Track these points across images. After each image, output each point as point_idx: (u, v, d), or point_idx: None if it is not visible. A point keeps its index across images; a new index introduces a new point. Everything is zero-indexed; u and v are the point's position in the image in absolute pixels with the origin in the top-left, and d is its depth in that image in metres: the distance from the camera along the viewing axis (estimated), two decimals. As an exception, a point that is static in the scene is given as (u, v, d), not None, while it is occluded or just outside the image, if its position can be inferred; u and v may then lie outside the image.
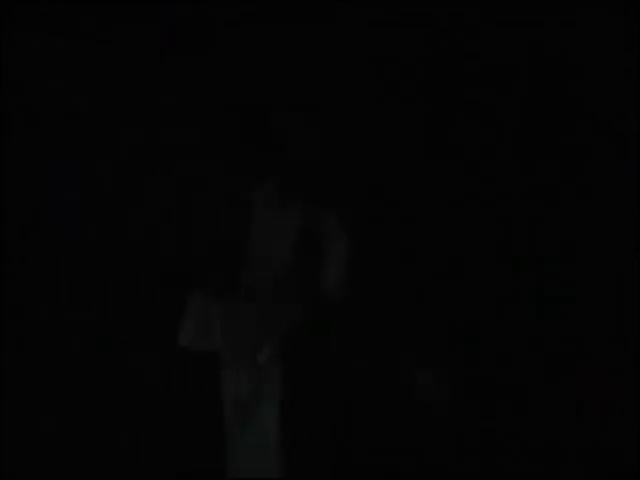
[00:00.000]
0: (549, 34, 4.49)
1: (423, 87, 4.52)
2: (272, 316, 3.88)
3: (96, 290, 4.42)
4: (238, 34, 4.48)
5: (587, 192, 4.50)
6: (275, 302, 3.88)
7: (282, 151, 3.97)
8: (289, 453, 3.81)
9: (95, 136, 4.47)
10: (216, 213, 3.98)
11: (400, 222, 4.47)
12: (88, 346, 4.39)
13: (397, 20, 4.50)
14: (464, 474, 4.28)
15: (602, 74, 4.48)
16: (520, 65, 4.50)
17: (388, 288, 4.42)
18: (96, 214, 4.45)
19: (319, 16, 4.49)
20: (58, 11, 4.43)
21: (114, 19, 4.45)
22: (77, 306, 4.41)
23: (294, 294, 3.90)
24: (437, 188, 4.51)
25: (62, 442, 4.32)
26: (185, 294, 3.92)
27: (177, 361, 4.21)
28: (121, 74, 4.48)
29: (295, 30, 4.48)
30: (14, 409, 4.32)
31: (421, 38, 4.51)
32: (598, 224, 4.47)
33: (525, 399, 4.39)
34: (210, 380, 3.96)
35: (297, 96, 4.46)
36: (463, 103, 4.52)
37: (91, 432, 4.34)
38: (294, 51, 4.48)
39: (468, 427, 4.35)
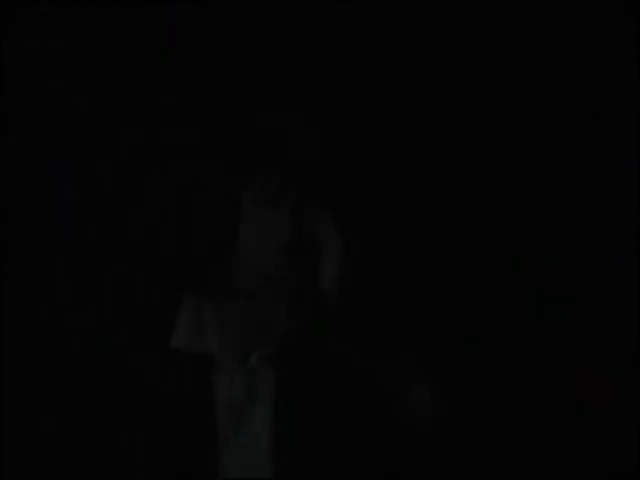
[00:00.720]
0: (549, 34, 4.49)
1: (423, 87, 4.52)
2: (267, 317, 3.88)
3: (96, 290, 4.42)
4: (238, 34, 4.49)
5: (587, 192, 4.50)
6: (271, 303, 3.88)
7: (282, 151, 3.97)
8: (284, 454, 3.82)
9: (95, 136, 4.47)
10: (215, 213, 3.98)
11: (400, 222, 4.47)
12: (88, 346, 4.39)
13: (397, 20, 4.50)
14: (464, 474, 4.28)
15: (602, 74, 4.48)
16: (520, 65, 4.50)
17: (388, 288, 4.42)
18: (96, 214, 4.45)
19: (319, 16, 4.49)
20: (58, 11, 4.43)
21: (114, 19, 4.46)
22: (77, 306, 4.41)
23: (291, 294, 3.90)
24: (437, 188, 4.51)
25: (61, 442, 4.32)
26: (184, 294, 3.93)
27: (176, 361, 4.21)
28: (121, 74, 4.48)
29: (295, 30, 4.48)
30: (14, 409, 4.32)
31: (421, 38, 4.51)
32: (598, 224, 4.47)
33: (525, 399, 4.39)
34: (206, 381, 3.96)
35: (297, 96, 4.46)
36: (463, 103, 4.52)
37: (89, 432, 4.34)
38: (294, 51, 4.48)
39: (468, 427, 4.35)
